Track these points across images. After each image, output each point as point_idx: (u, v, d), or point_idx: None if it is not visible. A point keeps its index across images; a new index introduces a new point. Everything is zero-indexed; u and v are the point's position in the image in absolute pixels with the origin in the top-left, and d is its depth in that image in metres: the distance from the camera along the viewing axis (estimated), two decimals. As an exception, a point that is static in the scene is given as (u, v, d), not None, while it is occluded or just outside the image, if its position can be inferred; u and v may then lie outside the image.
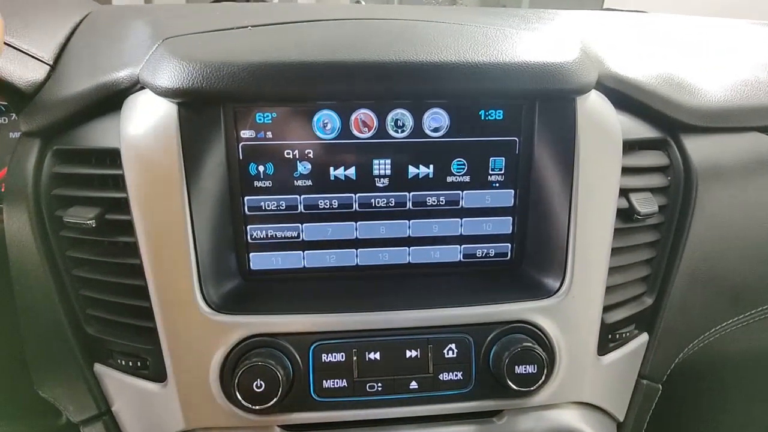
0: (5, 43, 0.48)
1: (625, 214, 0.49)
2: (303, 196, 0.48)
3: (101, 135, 0.46)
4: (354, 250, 0.49)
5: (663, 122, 0.54)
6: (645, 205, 0.50)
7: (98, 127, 0.47)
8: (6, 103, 0.57)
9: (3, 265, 0.48)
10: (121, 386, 0.47)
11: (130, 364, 0.46)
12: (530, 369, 0.43)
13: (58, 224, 0.47)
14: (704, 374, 0.61)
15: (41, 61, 0.51)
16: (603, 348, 0.50)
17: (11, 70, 0.47)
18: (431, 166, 0.48)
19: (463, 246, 0.51)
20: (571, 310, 0.46)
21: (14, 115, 0.57)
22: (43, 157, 0.47)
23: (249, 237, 0.48)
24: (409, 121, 0.47)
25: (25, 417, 0.55)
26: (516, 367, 0.43)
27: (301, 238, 0.49)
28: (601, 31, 0.60)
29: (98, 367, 0.48)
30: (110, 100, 0.47)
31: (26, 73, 0.48)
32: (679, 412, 0.64)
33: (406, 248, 0.50)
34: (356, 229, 0.49)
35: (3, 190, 0.54)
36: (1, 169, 0.57)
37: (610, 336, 0.51)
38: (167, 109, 0.43)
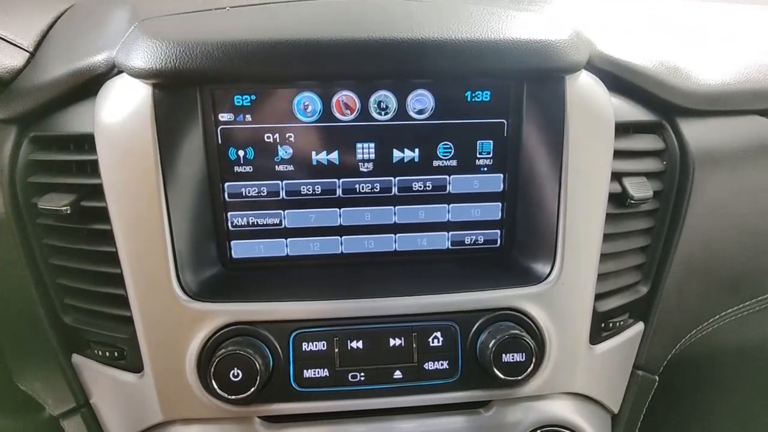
0: None
1: (619, 199, 0.48)
2: (285, 182, 0.46)
3: (78, 121, 0.45)
4: (338, 237, 0.48)
5: (658, 105, 0.52)
6: (639, 189, 0.48)
7: (75, 112, 0.46)
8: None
9: None
10: (98, 377, 0.46)
11: (107, 354, 0.45)
12: (518, 357, 0.41)
13: (35, 212, 0.46)
14: (702, 366, 0.59)
15: (20, 47, 0.50)
16: (596, 337, 0.48)
17: (-11, 57, 0.46)
18: (417, 150, 0.47)
19: (450, 233, 0.49)
20: (562, 297, 0.44)
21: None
22: (19, 144, 0.46)
23: (229, 224, 0.47)
24: (392, 103, 0.46)
25: (9, 411, 0.54)
26: (503, 355, 0.41)
27: (283, 225, 0.47)
28: (595, 13, 0.58)
29: (76, 358, 0.47)
30: (87, 86, 0.46)
31: (4, 59, 0.47)
32: (676, 404, 0.62)
33: (392, 235, 0.48)
34: (340, 216, 0.47)
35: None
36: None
37: (603, 325, 0.49)
38: (142, 91, 0.42)
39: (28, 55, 0.50)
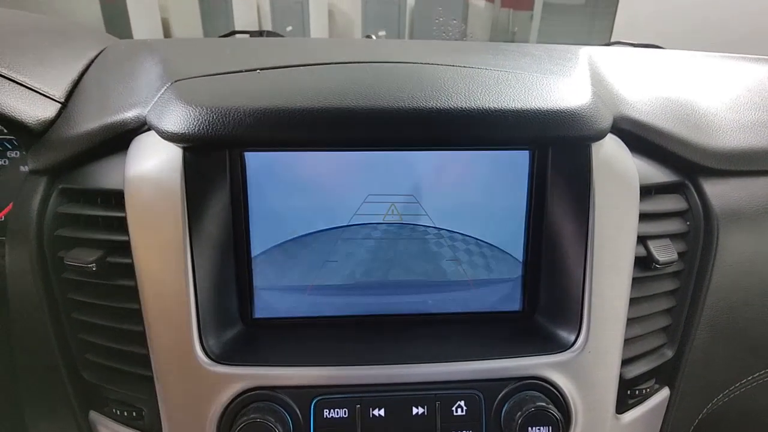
0: (16, 82, 0.49)
1: (643, 263, 0.47)
2: None
3: (107, 175, 0.46)
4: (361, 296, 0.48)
5: (681, 165, 0.52)
6: (664, 252, 0.47)
7: (105, 167, 0.47)
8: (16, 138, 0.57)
9: (2, 304, 0.47)
10: (115, 437, 0.45)
11: (125, 413, 0.44)
12: (544, 430, 0.40)
13: (60, 266, 0.46)
14: (733, 427, 0.57)
15: (52, 99, 0.51)
16: (622, 405, 0.47)
17: (21, 109, 0.47)
18: (440, 211, 0.47)
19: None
20: (588, 366, 0.44)
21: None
22: (48, 196, 0.47)
23: (254, 282, 0.47)
24: (416, 163, 0.46)
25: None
26: (529, 428, 0.40)
27: (305, 284, 0.47)
28: (613, 69, 0.59)
29: (93, 415, 0.47)
30: (118, 140, 0.46)
31: (36, 111, 0.49)
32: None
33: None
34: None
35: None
36: (9, 203, 0.57)
37: (629, 392, 0.48)
38: (172, 152, 0.43)
39: (59, 106, 0.51)
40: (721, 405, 0.53)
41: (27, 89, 0.49)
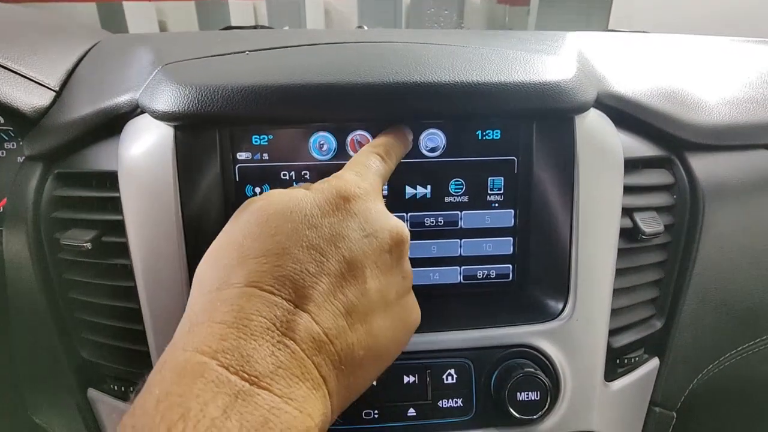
0: (12, 71, 0.50)
1: (630, 234, 0.48)
2: None
3: (101, 158, 0.47)
4: None
5: (666, 140, 0.53)
6: (650, 224, 0.48)
7: (98, 150, 0.48)
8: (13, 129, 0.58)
9: (0, 288, 0.48)
10: (114, 412, 0.46)
11: (123, 389, 0.45)
12: (533, 396, 0.41)
13: (56, 247, 0.47)
14: (720, 401, 0.58)
15: (47, 87, 0.52)
16: (611, 374, 0.48)
17: (16, 96, 0.48)
18: (429, 187, 0.48)
19: (462, 267, 0.50)
20: (576, 334, 0.44)
21: (21, 140, 0.59)
22: (44, 181, 0.48)
23: None
24: (405, 141, 0.47)
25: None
26: (518, 393, 0.41)
27: None
28: (601, 50, 0.60)
29: (91, 392, 0.48)
30: (111, 125, 0.47)
31: (31, 99, 0.50)
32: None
33: None
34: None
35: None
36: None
37: (618, 361, 0.48)
38: (164, 132, 0.44)
39: (54, 94, 0.52)
40: (711, 376, 0.54)
41: (22, 77, 0.50)
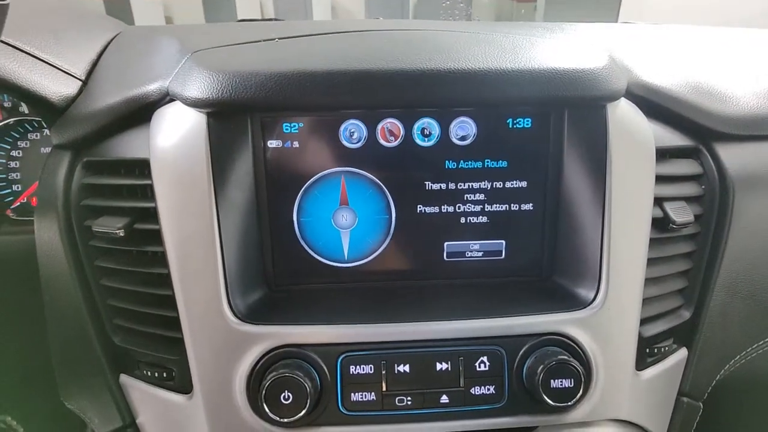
0: (39, 59, 0.50)
1: (660, 224, 0.48)
2: None
3: (131, 146, 0.47)
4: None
5: (694, 130, 0.52)
6: (680, 214, 0.48)
7: (128, 139, 0.48)
8: (39, 119, 0.58)
9: (33, 276, 0.49)
10: (146, 398, 0.47)
11: (156, 374, 0.46)
12: (566, 383, 0.41)
13: (87, 234, 0.47)
14: (748, 392, 0.58)
15: (73, 76, 0.52)
16: (641, 363, 0.48)
17: (44, 85, 0.49)
18: (456, 175, 0.48)
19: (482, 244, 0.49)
20: (607, 322, 0.44)
21: (46, 130, 0.59)
22: (73, 169, 0.48)
23: (277, 247, 0.48)
24: (435, 129, 0.47)
25: (52, 429, 0.55)
26: (552, 380, 0.41)
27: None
28: (623, 41, 0.59)
29: (124, 378, 0.48)
30: (139, 113, 0.47)
31: (59, 87, 0.50)
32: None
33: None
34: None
35: (35, 204, 0.55)
36: (32, 183, 0.58)
37: (647, 350, 0.48)
38: (196, 119, 0.44)
39: (80, 83, 0.52)
40: (738, 367, 0.54)
41: (49, 66, 0.51)
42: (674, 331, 0.50)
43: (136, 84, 0.49)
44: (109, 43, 0.58)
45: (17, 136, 0.59)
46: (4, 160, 0.58)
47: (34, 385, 0.56)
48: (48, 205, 0.48)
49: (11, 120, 0.59)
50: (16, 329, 0.56)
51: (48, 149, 0.57)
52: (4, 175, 0.58)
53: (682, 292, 0.52)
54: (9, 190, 0.59)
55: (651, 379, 0.48)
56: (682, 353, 0.51)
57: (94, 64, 0.55)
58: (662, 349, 0.49)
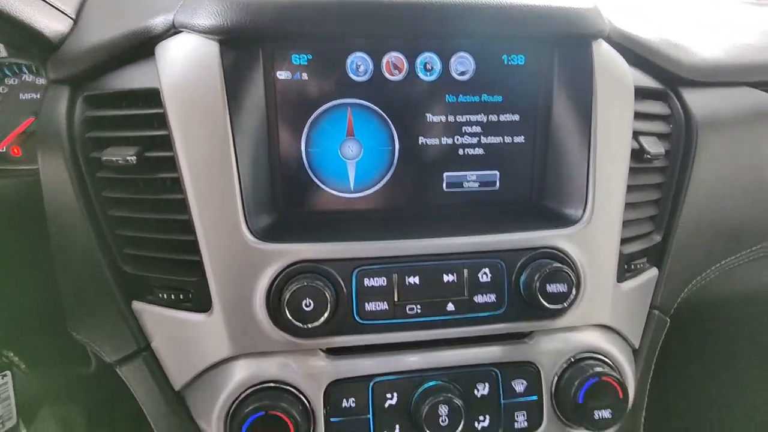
0: None
1: (636, 155, 0.53)
2: None
3: (132, 79, 0.48)
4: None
5: (663, 76, 0.58)
6: (654, 146, 0.54)
7: (127, 72, 0.48)
8: (18, 62, 0.56)
9: (38, 211, 0.48)
10: (161, 320, 0.48)
11: (173, 297, 0.47)
12: (561, 288, 0.46)
13: (94, 166, 0.47)
14: (708, 310, 0.65)
15: (65, 14, 0.52)
16: (621, 276, 0.53)
17: (39, 20, 0.48)
18: (456, 108, 0.51)
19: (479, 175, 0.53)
20: (593, 238, 0.49)
21: (25, 76, 0.57)
22: (74, 103, 0.48)
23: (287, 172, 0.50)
24: (437, 64, 0.50)
25: (57, 363, 0.55)
26: (548, 285, 0.45)
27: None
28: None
29: (136, 304, 0.49)
30: (140, 48, 0.48)
31: (51, 23, 0.49)
32: (685, 345, 0.68)
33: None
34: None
35: (15, 154, 0.54)
36: (16, 126, 0.57)
37: (626, 266, 0.54)
38: (208, 48, 0.45)
39: (71, 21, 0.52)
40: (699, 287, 0.61)
41: (42, 1, 0.50)
42: (647, 252, 0.56)
43: (137, 19, 0.49)
44: None
45: None
46: None
47: (35, 320, 0.56)
48: (51, 139, 0.48)
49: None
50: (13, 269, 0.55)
51: (27, 96, 0.56)
52: None
53: (654, 218, 0.58)
54: None
55: (628, 292, 0.54)
56: (654, 272, 0.57)
57: (83, 4, 0.54)
58: (638, 266, 0.55)
